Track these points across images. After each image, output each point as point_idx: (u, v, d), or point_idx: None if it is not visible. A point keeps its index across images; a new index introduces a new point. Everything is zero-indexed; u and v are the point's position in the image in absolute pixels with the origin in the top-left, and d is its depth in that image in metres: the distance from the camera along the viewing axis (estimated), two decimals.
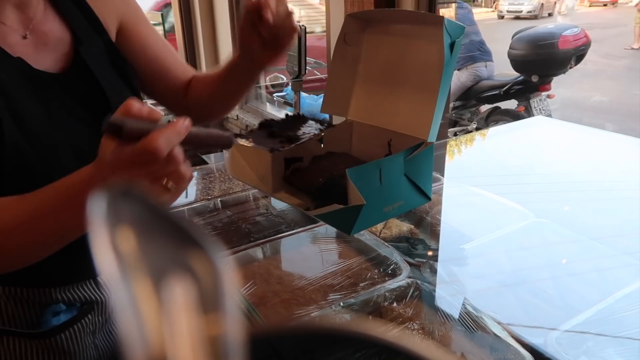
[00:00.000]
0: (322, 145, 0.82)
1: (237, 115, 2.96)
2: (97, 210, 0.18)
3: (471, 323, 0.82)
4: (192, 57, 3.18)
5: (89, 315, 0.80)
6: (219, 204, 1.29)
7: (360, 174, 0.60)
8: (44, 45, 0.71)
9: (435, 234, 1.15)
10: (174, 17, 3.19)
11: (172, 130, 0.49)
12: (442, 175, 1.44)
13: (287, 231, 1.13)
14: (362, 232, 1.11)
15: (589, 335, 0.82)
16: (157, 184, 0.51)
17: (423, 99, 0.70)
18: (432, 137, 0.66)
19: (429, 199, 0.72)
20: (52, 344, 0.77)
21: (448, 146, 1.82)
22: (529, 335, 0.79)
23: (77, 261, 0.71)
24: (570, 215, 1.26)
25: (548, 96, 3.96)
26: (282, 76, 3.25)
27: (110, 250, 0.18)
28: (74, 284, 0.78)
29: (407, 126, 0.71)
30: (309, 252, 1.09)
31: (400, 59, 0.74)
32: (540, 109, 3.80)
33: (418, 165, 0.68)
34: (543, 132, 2.00)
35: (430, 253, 1.05)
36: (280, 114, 2.86)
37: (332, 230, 1.12)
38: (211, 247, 0.18)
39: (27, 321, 0.75)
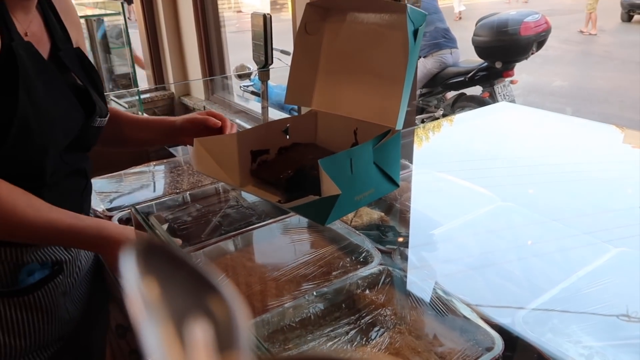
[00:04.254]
0: (287, 136, 0.82)
1: (204, 107, 2.91)
2: (127, 263, 0.21)
3: (442, 306, 0.83)
4: (156, 51, 3.10)
5: (60, 276, 0.89)
6: (188, 198, 1.27)
7: (332, 164, 0.60)
8: (37, 44, 0.80)
9: (405, 221, 1.16)
10: (135, 9, 3.11)
11: None
12: (411, 163, 1.46)
13: (258, 223, 1.12)
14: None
15: (554, 312, 0.84)
16: None
17: (388, 87, 0.70)
18: (399, 125, 0.66)
19: (397, 185, 0.72)
20: (30, 301, 0.85)
21: (416, 133, 1.84)
22: (497, 315, 0.82)
23: None
24: (534, 198, 1.30)
25: (511, 82, 4.05)
26: (249, 66, 3.21)
27: (139, 298, 0.21)
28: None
29: (374, 115, 0.71)
30: (281, 243, 1.09)
31: (363, 47, 0.74)
32: (504, 95, 3.88)
33: (386, 153, 0.69)
34: (507, 118, 2.05)
35: (400, 240, 1.06)
36: (248, 104, 2.83)
37: (303, 221, 1.12)
38: (226, 291, 0.21)
39: (5, 280, 0.83)
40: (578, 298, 0.87)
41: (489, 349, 0.74)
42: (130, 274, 0.21)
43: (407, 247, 1.03)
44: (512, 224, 1.14)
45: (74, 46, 0.91)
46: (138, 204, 1.21)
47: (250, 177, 0.78)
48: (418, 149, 1.70)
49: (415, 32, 0.67)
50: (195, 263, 0.22)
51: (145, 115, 2.52)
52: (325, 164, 0.58)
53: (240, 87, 3.16)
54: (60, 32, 0.88)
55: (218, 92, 3.18)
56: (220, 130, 0.90)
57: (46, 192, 0.79)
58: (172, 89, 3.18)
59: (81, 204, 0.93)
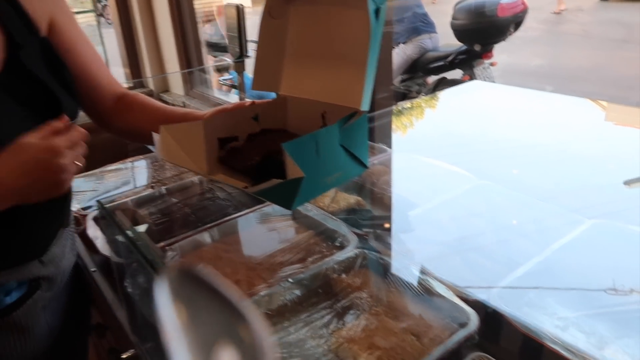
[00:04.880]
0: (257, 122, 0.81)
1: (184, 102, 2.88)
2: (160, 290, 0.23)
3: (417, 286, 0.83)
4: (132, 48, 3.06)
5: (39, 291, 0.85)
6: (164, 192, 1.26)
7: (297, 147, 0.59)
8: None
9: (382, 204, 1.16)
10: (110, 5, 3.05)
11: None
12: (389, 146, 1.45)
13: (234, 213, 1.11)
14: (309, 207, 1.11)
15: (530, 286, 0.85)
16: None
17: (352, 68, 0.69)
18: (364, 106, 0.65)
19: (366, 167, 0.72)
20: (10, 321, 0.81)
21: (394, 117, 1.84)
22: (474, 292, 0.82)
23: (23, 245, 0.79)
24: (513, 177, 1.31)
25: (491, 64, 4.06)
26: (227, 59, 3.18)
27: (172, 323, 0.22)
28: (22, 264, 0.81)
29: (339, 97, 0.70)
30: (258, 233, 1.08)
31: (327, 29, 0.73)
32: (484, 77, 3.89)
33: (353, 134, 0.68)
34: (483, 97, 2.05)
35: (377, 223, 1.06)
36: (228, 98, 2.81)
37: (279, 209, 1.11)
38: (256, 320, 0.22)
39: None
40: (552, 272, 0.88)
41: (463, 325, 0.74)
42: (163, 300, 0.23)
43: (383, 229, 1.03)
44: (489, 202, 1.14)
45: (43, 34, 0.80)
46: (109, 199, 1.19)
47: (219, 164, 0.77)
48: (397, 134, 1.70)
49: (377, 11, 0.66)
50: (228, 291, 0.24)
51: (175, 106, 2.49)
52: (290, 148, 0.57)
53: (219, 80, 3.13)
54: (20, 22, 0.76)
55: (197, 87, 3.14)
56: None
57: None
58: (151, 85, 3.14)
59: (61, 210, 0.86)
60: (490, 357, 0.70)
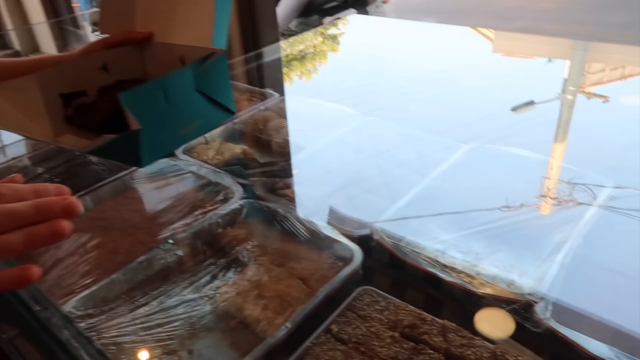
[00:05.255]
0: (107, 73, 0.71)
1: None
2: None
3: (303, 230, 0.82)
4: None
5: None
6: (27, 162, 1.13)
7: (139, 96, 0.52)
8: None
9: (270, 151, 1.12)
10: None
11: None
12: (279, 92, 1.40)
13: (109, 177, 1.02)
14: (191, 162, 1.04)
15: (412, 215, 0.87)
16: None
17: (201, 4, 0.62)
18: (218, 44, 0.59)
19: (233, 112, 0.66)
20: None
21: (289, 63, 1.78)
22: (358, 228, 0.82)
23: None
24: (407, 111, 1.32)
25: (383, 2, 4.07)
26: None
27: None
28: None
29: (193, 37, 0.63)
30: (137, 195, 1.00)
31: None
32: (377, 15, 3.90)
33: (212, 78, 0.62)
34: (376, 32, 2.05)
35: (264, 170, 1.03)
36: None
37: (158, 168, 1.03)
38: None
39: None
40: (432, 199, 0.90)
41: (348, 262, 0.74)
42: None
43: (269, 176, 0.99)
44: (374, 138, 1.15)
45: None
46: None
47: (66, 125, 0.67)
48: (285, 77, 1.65)
49: None
50: None
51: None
52: (129, 98, 0.50)
53: (97, 35, 2.85)
54: None
55: (72, 44, 2.85)
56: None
57: None
58: (16, 45, 2.79)
59: None
60: (375, 289, 0.70)
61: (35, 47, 2.85)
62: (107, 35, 0.75)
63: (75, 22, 2.89)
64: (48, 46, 2.79)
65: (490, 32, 2.01)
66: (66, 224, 0.37)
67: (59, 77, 0.69)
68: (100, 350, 0.46)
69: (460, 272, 0.73)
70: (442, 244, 0.80)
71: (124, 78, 0.75)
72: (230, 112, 0.69)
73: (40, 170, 1.11)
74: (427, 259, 0.74)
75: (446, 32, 2.07)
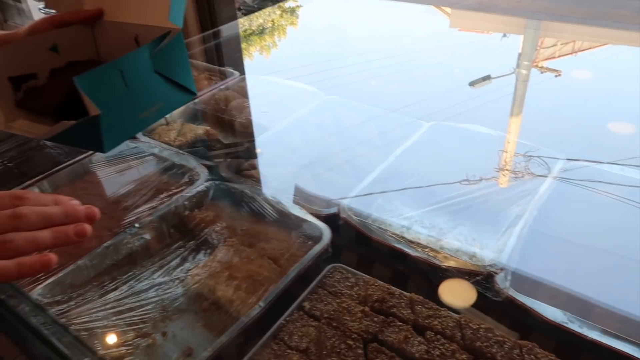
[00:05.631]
0: (58, 54, 0.68)
1: None
2: None
3: (271, 210, 0.83)
4: None
5: None
6: None
7: (95, 80, 0.51)
8: None
9: (233, 131, 1.11)
10: None
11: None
12: (240, 70, 1.38)
13: (67, 161, 0.99)
14: (153, 144, 1.02)
15: (378, 193, 0.89)
16: None
17: None
18: (175, 21, 0.58)
19: (194, 93, 0.65)
20: None
21: (249, 40, 1.75)
22: (326, 207, 0.83)
23: None
24: (367, 89, 1.33)
25: None
26: None
27: None
28: None
29: (147, 15, 0.61)
30: (97, 179, 0.98)
31: None
32: None
33: (170, 58, 0.60)
34: (333, 9, 2.03)
35: (228, 151, 1.02)
36: None
37: (118, 151, 1.01)
38: None
39: None
40: (397, 175, 0.93)
41: (317, 240, 0.75)
42: None
43: (234, 157, 0.99)
44: (337, 116, 1.16)
45: None
46: None
47: (18, 110, 0.65)
48: (244, 55, 1.63)
49: None
50: None
51: None
52: (85, 81, 0.48)
53: (40, 9, 2.70)
54: None
55: (13, 19, 2.69)
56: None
57: None
58: None
59: None
60: (344, 265, 0.72)
61: None
62: (54, 12, 0.71)
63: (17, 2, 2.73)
64: None
65: (448, 10, 2.04)
66: (89, 227, 0.46)
67: (6, 59, 0.65)
68: (76, 336, 0.46)
69: (425, 247, 0.75)
70: (407, 220, 0.83)
71: (76, 59, 0.72)
72: (191, 93, 0.68)
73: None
74: (393, 235, 0.77)
75: (403, 9, 2.08)
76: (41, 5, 2.74)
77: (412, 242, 0.75)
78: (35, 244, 0.41)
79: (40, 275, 0.72)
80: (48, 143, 1.09)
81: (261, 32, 1.92)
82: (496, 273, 0.68)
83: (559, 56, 1.53)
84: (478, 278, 0.68)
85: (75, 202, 0.48)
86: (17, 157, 1.04)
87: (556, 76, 1.36)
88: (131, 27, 0.66)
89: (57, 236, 0.43)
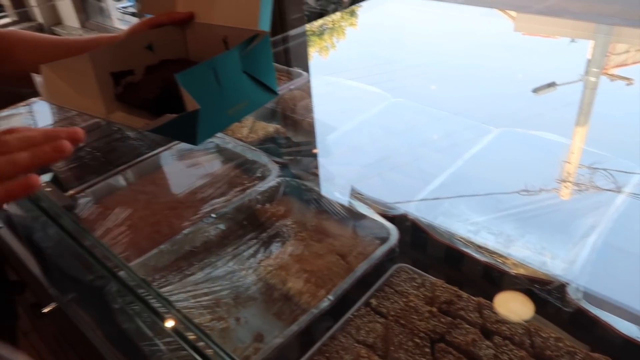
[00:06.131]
0: (153, 53, 0.74)
1: (81, 36, 2.62)
2: None
3: (339, 208, 0.85)
4: None
5: None
6: None
7: (193, 77, 0.55)
8: None
9: (302, 130, 1.15)
10: None
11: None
12: (306, 70, 1.42)
13: (148, 152, 1.06)
14: (228, 140, 1.07)
15: (445, 197, 0.89)
16: None
17: None
18: (262, 26, 0.61)
19: (276, 94, 0.69)
20: None
21: (316, 42, 1.79)
22: (393, 208, 0.85)
23: None
24: (427, 92, 1.33)
25: None
26: None
27: None
28: None
29: (237, 19, 0.65)
30: (176, 170, 1.04)
31: None
32: None
33: (257, 59, 0.64)
34: (398, 12, 2.04)
35: (297, 149, 1.05)
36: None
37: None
38: None
39: None
40: (465, 180, 0.93)
41: (385, 240, 0.77)
42: None
43: (304, 155, 1.02)
44: (404, 119, 1.17)
45: None
46: None
47: (117, 103, 0.71)
48: (315, 57, 1.66)
49: None
50: None
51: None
52: (185, 78, 0.53)
53: (118, 8, 2.86)
54: None
55: (94, 17, 2.86)
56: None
57: None
58: (39, 17, 2.81)
59: None
60: (411, 266, 0.74)
61: (57, 20, 2.87)
62: (151, 16, 0.77)
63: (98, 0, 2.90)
64: (70, 19, 2.81)
65: (512, 13, 1.99)
66: (67, 144, 0.44)
67: (109, 56, 0.71)
68: (179, 310, 0.50)
69: (493, 252, 0.75)
70: (474, 226, 0.83)
71: (168, 57, 0.78)
72: (273, 93, 0.71)
73: (81, 144, 1.15)
74: (461, 239, 0.77)
75: (464, 12, 2.05)
76: (119, 4, 2.90)
77: (480, 247, 0.76)
78: (14, 164, 0.42)
79: (125, 257, 0.78)
80: (131, 135, 1.16)
81: (321, 32, 1.95)
82: (568, 284, 0.67)
83: (632, 63, 1.46)
84: (549, 287, 0.68)
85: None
86: (104, 147, 1.12)
87: (628, 84, 1.30)
88: (220, 29, 0.71)
89: (36, 154, 0.43)
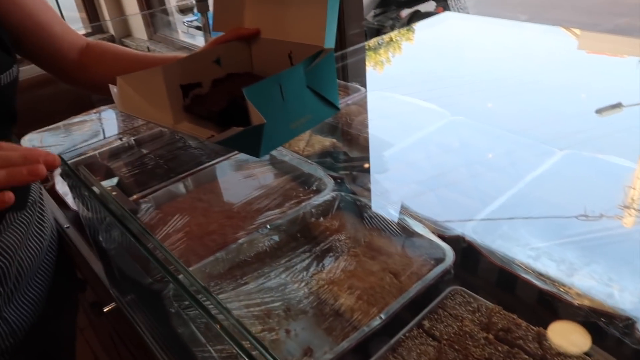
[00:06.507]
0: (220, 67, 0.77)
1: (148, 47, 2.76)
2: None
3: (394, 225, 0.84)
4: (90, 3, 2.87)
5: None
6: (133, 143, 1.22)
7: (259, 92, 0.57)
8: None
9: (358, 145, 1.15)
10: None
11: None
12: (363, 85, 1.43)
13: (207, 162, 1.09)
14: (284, 152, 1.09)
15: (503, 220, 0.87)
16: None
17: (313, 3, 0.65)
18: (328, 43, 0.62)
19: (337, 109, 0.70)
20: None
21: (367, 55, 1.80)
22: (449, 229, 0.83)
23: None
24: (486, 110, 1.30)
25: None
26: None
27: None
28: None
29: (303, 35, 0.67)
30: (233, 180, 1.06)
31: None
32: (457, 8, 3.81)
33: (320, 75, 0.65)
34: (457, 30, 2.01)
35: (353, 164, 1.05)
36: (194, 40, 2.69)
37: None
38: None
39: None
40: (526, 203, 0.89)
41: (440, 261, 0.75)
42: None
43: (359, 171, 1.02)
44: (462, 137, 1.14)
45: None
46: (75, 154, 1.15)
47: (184, 114, 0.74)
48: (371, 72, 1.67)
49: None
50: None
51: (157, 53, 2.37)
52: (251, 92, 0.54)
53: (184, 22, 2.99)
54: None
55: (161, 30, 3.00)
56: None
57: None
58: (111, 30, 2.98)
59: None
60: (466, 289, 0.72)
61: (127, 33, 3.03)
62: (221, 34, 0.80)
63: (164, 11, 3.05)
64: (139, 31, 2.96)
65: (577, 31, 1.92)
66: (43, 169, 0.48)
67: (180, 70, 0.75)
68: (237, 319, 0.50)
69: (555, 281, 0.72)
70: (534, 251, 0.80)
71: (234, 71, 0.81)
72: (335, 108, 0.72)
73: (144, 151, 1.20)
74: (521, 265, 0.74)
75: (525, 29, 1.99)
76: (185, 18, 3.03)
77: (541, 274, 0.72)
78: None
79: (186, 262, 0.81)
80: (192, 144, 1.21)
81: (377, 47, 1.95)
82: (638, 319, 0.63)
83: None
84: (615, 321, 0.64)
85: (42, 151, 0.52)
86: (167, 155, 1.17)
87: None
88: (286, 45, 0.72)
89: (11, 174, 0.47)
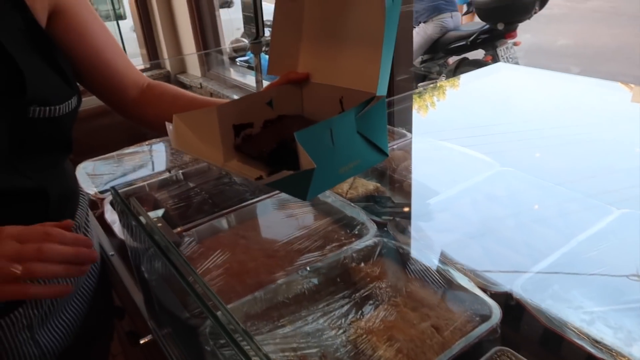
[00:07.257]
0: (271, 108, 0.78)
1: (201, 84, 2.87)
2: None
3: (438, 277, 0.81)
4: (149, 29, 3.05)
5: (20, 309, 0.75)
6: (181, 176, 1.25)
7: (310, 136, 0.57)
8: None
9: (401, 191, 1.14)
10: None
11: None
12: (409, 131, 1.42)
13: (251, 199, 1.10)
14: (328, 194, 1.09)
15: (555, 278, 0.82)
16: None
17: (368, 51, 0.66)
18: (380, 91, 0.62)
19: (386, 155, 0.69)
20: None
21: (414, 100, 1.80)
22: (496, 284, 0.80)
23: None
24: (536, 162, 1.27)
25: (514, 44, 3.94)
26: (244, 40, 3.15)
27: None
28: None
29: (356, 81, 0.67)
30: (275, 219, 1.07)
31: (343, 10, 0.70)
32: (507, 57, 3.79)
33: (371, 121, 0.65)
34: (507, 80, 1.99)
35: (396, 210, 1.04)
36: (245, 79, 2.78)
37: None
38: None
39: None
40: (579, 262, 0.85)
41: (486, 318, 0.72)
42: None
43: (403, 217, 1.00)
44: (511, 189, 1.11)
45: (45, 17, 0.74)
46: (125, 184, 1.19)
47: (234, 153, 0.75)
48: (416, 116, 1.67)
49: None
50: None
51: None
52: (302, 136, 0.55)
53: (237, 61, 3.11)
54: None
55: (214, 68, 3.12)
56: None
57: None
58: (168, 66, 3.13)
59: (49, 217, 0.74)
60: (513, 351, 0.68)
61: (183, 69, 3.18)
62: (276, 78, 0.82)
63: (219, 51, 3.19)
64: (194, 69, 3.09)
65: (632, 85, 1.86)
66: (86, 269, 0.64)
67: (233, 110, 0.77)
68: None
69: (612, 349, 0.67)
70: (589, 315, 0.75)
71: (285, 113, 0.82)
72: (384, 154, 0.72)
73: (191, 184, 1.23)
74: (574, 330, 0.70)
75: (576, 82, 1.95)
76: (239, 58, 3.15)
77: (596, 341, 0.68)
78: (52, 274, 0.58)
79: (224, 299, 0.80)
80: (237, 180, 1.23)
81: (420, 91, 1.95)
82: None
83: None
84: None
85: (88, 244, 0.64)
86: (212, 190, 1.19)
87: None
88: (337, 90, 0.73)
89: (68, 271, 0.60)
